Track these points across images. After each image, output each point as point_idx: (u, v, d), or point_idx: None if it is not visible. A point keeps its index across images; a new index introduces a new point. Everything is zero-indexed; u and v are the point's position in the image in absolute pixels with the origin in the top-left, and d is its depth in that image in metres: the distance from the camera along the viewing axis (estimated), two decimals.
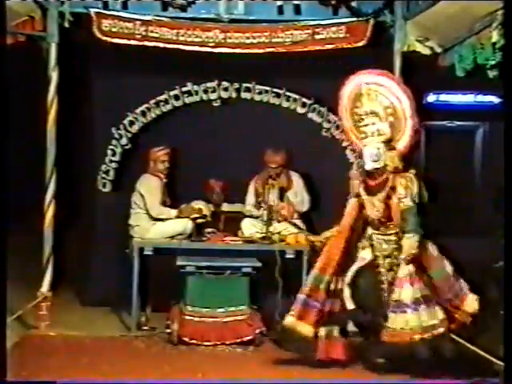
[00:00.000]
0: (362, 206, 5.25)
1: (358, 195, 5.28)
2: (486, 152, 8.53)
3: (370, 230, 5.24)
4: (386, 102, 5.19)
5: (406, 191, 5.02)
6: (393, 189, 5.05)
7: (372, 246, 5.24)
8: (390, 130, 5.16)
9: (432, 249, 5.27)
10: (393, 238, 5.17)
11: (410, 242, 5.03)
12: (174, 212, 6.43)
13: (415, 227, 5.05)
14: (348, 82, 5.41)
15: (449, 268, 5.26)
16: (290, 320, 5.25)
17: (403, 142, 5.22)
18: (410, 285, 5.01)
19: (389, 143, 5.16)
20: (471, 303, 5.21)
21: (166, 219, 6.40)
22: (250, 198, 6.77)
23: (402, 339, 4.93)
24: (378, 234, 5.19)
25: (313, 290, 5.24)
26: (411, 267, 5.06)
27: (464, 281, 5.35)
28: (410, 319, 4.95)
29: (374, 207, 5.13)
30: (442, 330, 4.95)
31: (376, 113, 5.17)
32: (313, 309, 5.20)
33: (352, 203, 5.33)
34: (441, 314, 5.02)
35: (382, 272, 5.21)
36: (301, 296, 5.27)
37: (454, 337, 5.11)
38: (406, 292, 5.01)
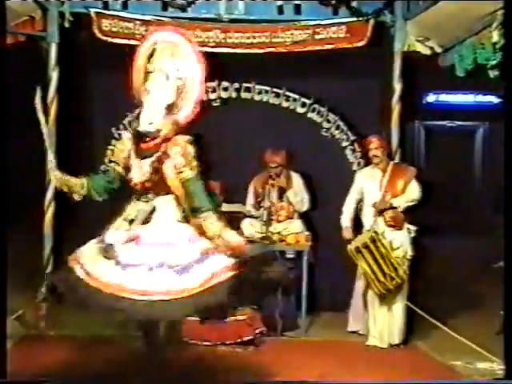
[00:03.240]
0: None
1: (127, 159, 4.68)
2: (486, 152, 8.55)
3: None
4: (178, 64, 4.60)
5: (184, 160, 4.45)
6: (166, 155, 4.48)
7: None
8: (175, 95, 4.55)
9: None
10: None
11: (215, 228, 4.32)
12: None
13: (210, 205, 4.42)
14: (146, 39, 4.83)
15: None
16: None
17: (184, 112, 4.63)
18: None
19: (170, 108, 4.55)
20: None
21: None
22: (250, 198, 6.76)
23: None
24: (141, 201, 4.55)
25: None
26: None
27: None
28: None
29: (141, 171, 4.53)
30: None
31: (165, 72, 4.55)
32: None
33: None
34: None
35: None
36: None
37: None
38: None
